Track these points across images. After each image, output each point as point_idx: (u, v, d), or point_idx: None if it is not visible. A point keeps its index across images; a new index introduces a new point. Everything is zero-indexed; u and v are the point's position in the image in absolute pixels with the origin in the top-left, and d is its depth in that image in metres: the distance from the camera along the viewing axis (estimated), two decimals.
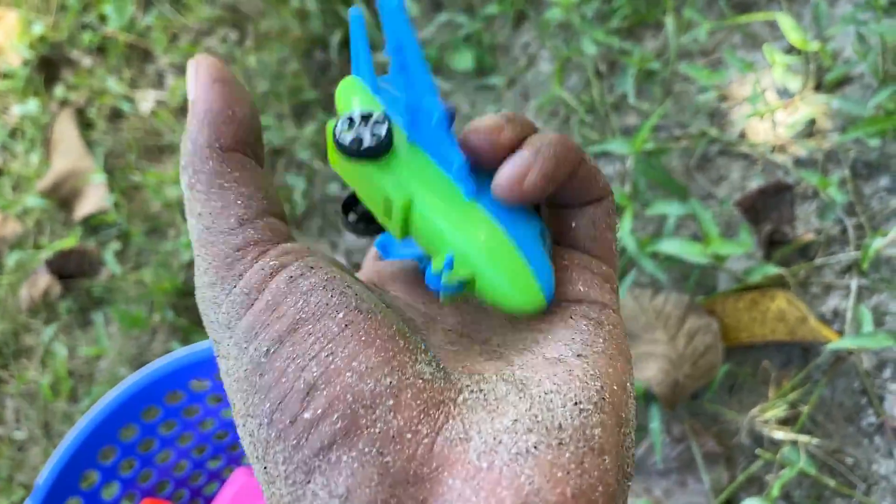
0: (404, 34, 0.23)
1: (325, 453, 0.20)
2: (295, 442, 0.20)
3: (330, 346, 0.21)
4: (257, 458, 0.22)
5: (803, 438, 0.67)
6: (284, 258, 0.23)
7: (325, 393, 0.20)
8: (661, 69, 0.92)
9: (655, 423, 0.67)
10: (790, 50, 0.88)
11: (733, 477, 0.68)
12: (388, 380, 0.21)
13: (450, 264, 0.24)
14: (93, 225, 1.07)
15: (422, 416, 0.21)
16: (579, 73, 0.96)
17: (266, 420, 0.21)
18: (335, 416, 0.20)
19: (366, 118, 0.25)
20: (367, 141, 0.24)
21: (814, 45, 0.85)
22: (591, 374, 0.22)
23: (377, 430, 0.20)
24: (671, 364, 0.68)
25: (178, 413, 0.62)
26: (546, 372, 0.22)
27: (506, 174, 0.23)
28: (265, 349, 0.21)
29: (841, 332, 0.71)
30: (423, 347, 0.23)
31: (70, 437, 0.57)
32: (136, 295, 0.96)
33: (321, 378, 0.20)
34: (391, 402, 0.20)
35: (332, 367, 0.21)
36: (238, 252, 0.23)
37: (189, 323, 0.91)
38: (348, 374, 0.20)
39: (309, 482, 0.20)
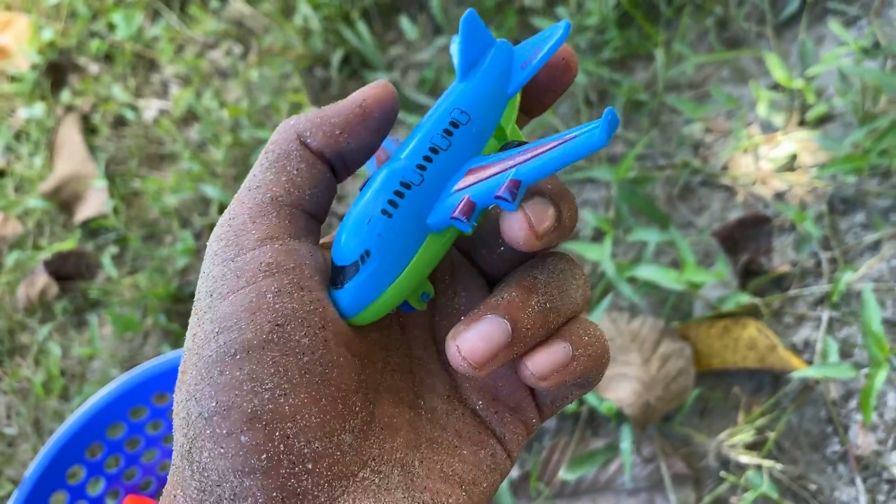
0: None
1: (242, 476, 0.23)
2: (222, 451, 0.23)
3: (286, 386, 0.23)
4: (185, 435, 0.24)
5: (767, 463, 0.69)
6: (283, 258, 0.25)
7: (265, 430, 0.23)
8: (649, 100, 0.94)
9: (626, 443, 0.70)
10: (775, 86, 0.91)
11: (700, 498, 0.70)
12: (316, 444, 0.23)
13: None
14: (92, 229, 1.09)
15: (325, 485, 0.24)
16: (570, 101, 0.99)
17: (206, 414, 0.23)
18: (263, 455, 0.23)
19: None
20: None
21: (798, 83, 0.87)
22: None
23: (289, 484, 0.23)
24: (643, 386, 0.70)
25: (164, 414, 0.64)
26: (435, 487, 0.25)
27: (541, 364, 0.25)
28: (233, 351, 0.23)
29: (811, 362, 0.73)
30: (356, 409, 0.25)
31: (59, 432, 0.59)
32: (131, 299, 0.98)
33: (267, 414, 0.23)
34: (310, 465, 0.23)
35: (280, 410, 0.23)
36: (252, 222, 0.25)
37: (181, 328, 0.93)
38: (289, 424, 0.23)
39: (220, 485, 0.23)
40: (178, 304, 0.95)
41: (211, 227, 1.02)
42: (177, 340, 0.92)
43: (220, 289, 0.24)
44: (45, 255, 1.07)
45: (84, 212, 1.09)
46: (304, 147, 0.26)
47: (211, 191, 1.01)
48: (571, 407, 0.75)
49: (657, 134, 0.93)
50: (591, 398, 0.72)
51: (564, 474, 0.71)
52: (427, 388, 0.28)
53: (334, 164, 0.27)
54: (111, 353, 0.96)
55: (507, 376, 0.28)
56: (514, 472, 0.75)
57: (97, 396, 0.60)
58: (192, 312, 0.25)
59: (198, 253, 0.99)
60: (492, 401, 0.28)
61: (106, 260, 1.03)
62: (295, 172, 0.26)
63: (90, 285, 1.03)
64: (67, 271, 1.04)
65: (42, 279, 1.04)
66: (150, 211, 1.08)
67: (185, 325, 0.96)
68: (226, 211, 0.26)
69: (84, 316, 1.03)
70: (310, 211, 0.27)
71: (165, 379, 0.62)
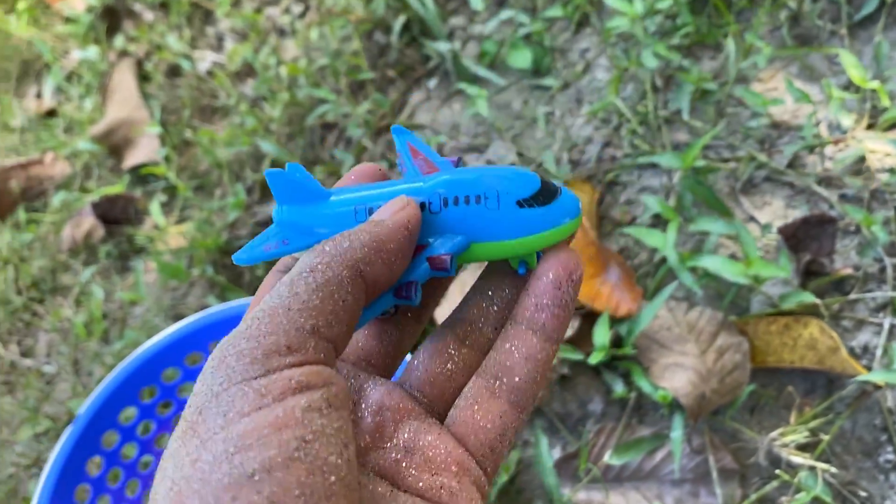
0: None
1: None
2: None
3: None
4: None
5: (822, 466, 0.68)
6: (314, 378, 0.23)
7: None
8: (717, 90, 0.93)
9: (678, 433, 0.69)
10: (847, 86, 0.89)
11: (745, 495, 0.69)
12: None
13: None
14: (141, 175, 1.09)
15: None
16: (634, 85, 0.97)
17: None
18: None
19: None
20: None
21: (872, 84, 0.85)
22: None
23: None
24: (700, 377, 0.69)
25: None
26: None
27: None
28: (251, 471, 0.20)
29: (869, 368, 0.72)
30: None
31: (115, 372, 0.59)
32: (177, 248, 0.98)
33: None
34: None
35: None
36: (286, 349, 0.23)
37: (227, 281, 0.93)
38: None
39: None
40: (226, 258, 0.95)
41: (263, 184, 1.02)
42: (222, 293, 0.92)
43: (240, 407, 0.22)
44: (93, 197, 1.07)
45: (134, 158, 1.09)
46: (359, 277, 0.26)
47: (267, 146, 1.00)
48: (620, 392, 0.74)
49: (722, 125, 0.91)
50: (645, 385, 0.71)
51: (610, 459, 0.70)
52: (368, 498, 0.26)
53: (376, 289, 0.27)
54: (154, 301, 0.96)
55: (438, 445, 0.28)
56: (557, 453, 0.75)
57: (154, 340, 0.60)
58: (188, 435, 0.22)
59: (248, 208, 0.99)
60: (431, 476, 0.27)
61: (154, 207, 1.02)
62: (342, 304, 0.25)
63: (136, 231, 1.03)
64: (115, 216, 1.04)
65: (89, 221, 1.04)
66: (201, 162, 1.07)
67: (230, 279, 0.97)
68: (250, 322, 0.24)
69: (128, 262, 1.02)
70: (341, 347, 0.25)
71: (222, 328, 0.61)
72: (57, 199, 1.10)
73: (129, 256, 1.03)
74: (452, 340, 0.31)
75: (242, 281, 0.94)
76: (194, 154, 1.09)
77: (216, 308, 0.60)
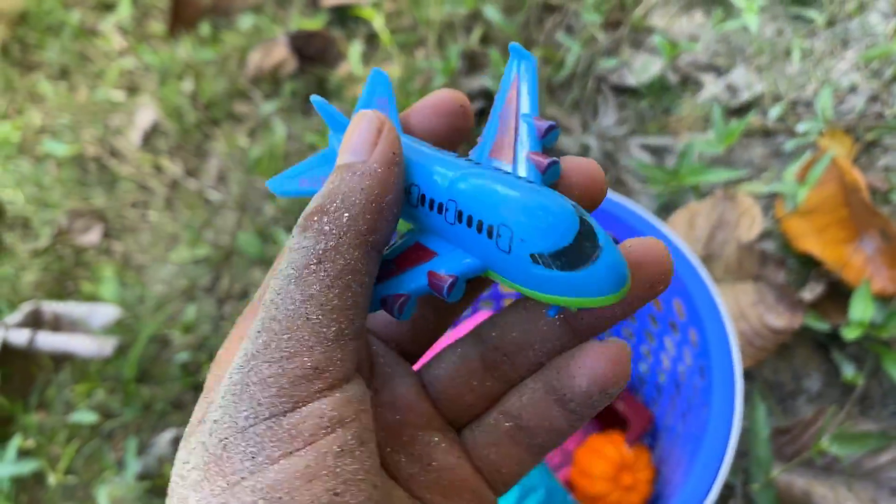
0: None
1: None
2: None
3: None
4: None
5: None
6: (345, 410, 0.21)
7: None
8: None
9: None
10: None
11: None
12: None
13: None
14: (344, 16, 1.01)
15: None
16: None
17: None
18: None
19: None
20: None
21: None
22: None
23: None
24: None
25: None
26: None
27: None
28: None
29: None
30: None
31: None
32: None
33: None
34: None
35: None
36: (314, 371, 0.20)
37: None
38: None
39: None
40: None
41: (471, 55, 0.93)
42: None
43: (270, 451, 0.20)
44: (290, 29, 1.00)
45: None
46: (372, 250, 0.21)
47: (492, 11, 0.91)
48: (850, 375, 0.66)
49: None
50: None
51: (831, 446, 0.62)
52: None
53: (380, 256, 0.23)
54: None
55: (455, 469, 0.25)
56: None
57: None
58: (213, 472, 0.20)
59: (454, 82, 0.90)
60: (444, 499, 0.24)
61: (354, 53, 0.95)
62: (360, 290, 0.21)
63: (330, 74, 0.96)
64: (310, 53, 0.97)
65: (281, 52, 0.97)
66: (405, 18, 0.99)
67: None
68: (267, 339, 0.20)
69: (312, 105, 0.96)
70: (363, 338, 0.23)
71: None
72: (245, 21, 1.04)
73: None
74: (480, 369, 0.26)
75: None
76: (399, 8, 1.00)
77: None
